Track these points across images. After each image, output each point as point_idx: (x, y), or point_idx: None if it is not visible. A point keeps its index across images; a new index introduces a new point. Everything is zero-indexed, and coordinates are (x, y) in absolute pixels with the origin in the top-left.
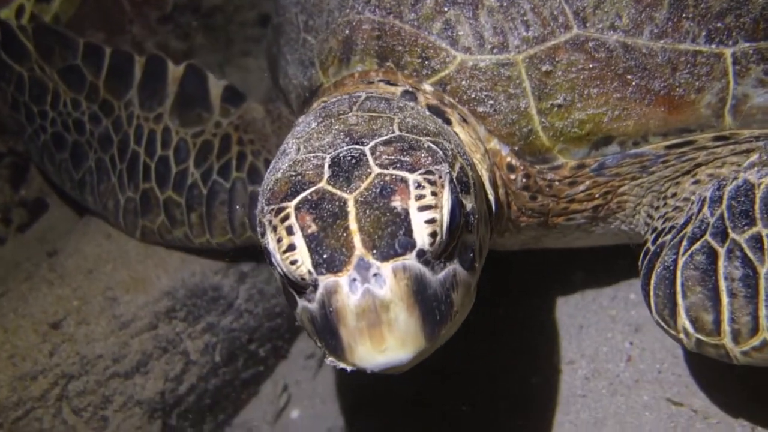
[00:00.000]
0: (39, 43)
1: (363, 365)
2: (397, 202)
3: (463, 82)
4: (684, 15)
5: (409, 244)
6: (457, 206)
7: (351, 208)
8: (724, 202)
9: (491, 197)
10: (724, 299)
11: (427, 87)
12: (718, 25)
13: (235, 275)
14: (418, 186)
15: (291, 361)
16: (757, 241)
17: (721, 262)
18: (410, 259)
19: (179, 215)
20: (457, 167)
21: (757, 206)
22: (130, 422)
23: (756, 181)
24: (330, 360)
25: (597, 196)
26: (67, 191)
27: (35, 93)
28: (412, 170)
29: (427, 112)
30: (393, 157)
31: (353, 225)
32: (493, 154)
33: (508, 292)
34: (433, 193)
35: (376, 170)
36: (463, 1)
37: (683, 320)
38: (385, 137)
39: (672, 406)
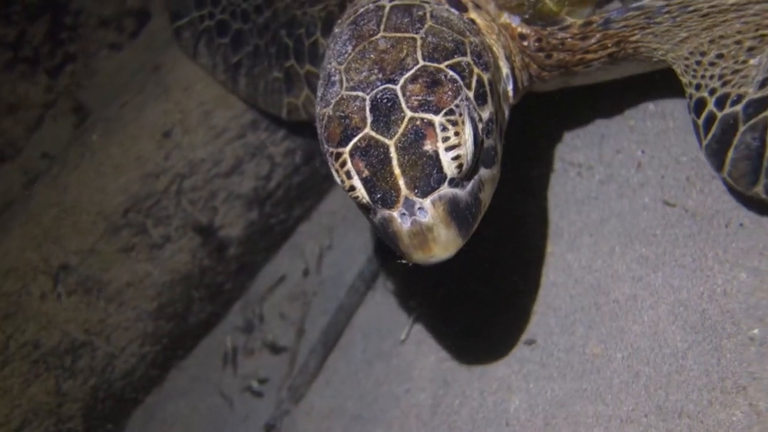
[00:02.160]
0: None
1: (419, 264)
2: (428, 146)
3: None
4: None
5: (442, 178)
6: (477, 133)
7: (393, 154)
8: None
9: (506, 71)
10: None
11: None
12: None
13: None
14: (444, 129)
15: None
16: None
17: None
18: (444, 189)
19: None
20: (474, 82)
21: None
22: (234, 211)
23: None
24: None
25: (610, 45)
26: (216, 74)
27: None
28: (437, 111)
29: (445, 6)
30: (420, 98)
31: (397, 170)
32: (505, 27)
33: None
34: (456, 133)
35: (409, 114)
36: None
37: (760, 190)
38: (412, 71)
39: (667, 206)
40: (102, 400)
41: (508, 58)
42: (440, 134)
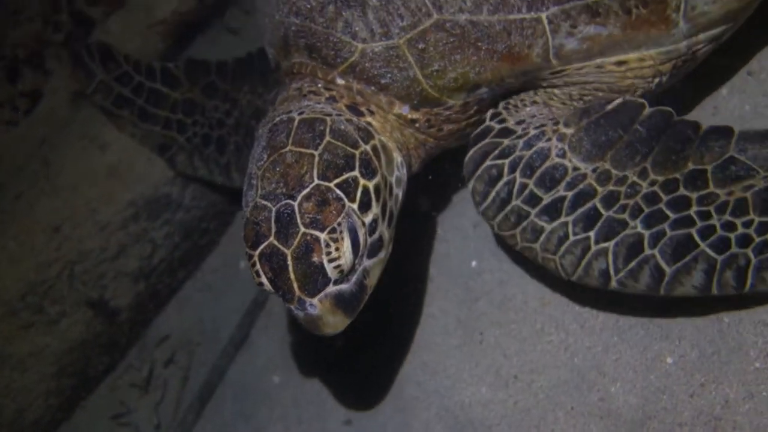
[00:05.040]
0: (187, 72)
1: (319, 336)
2: (315, 258)
3: (367, 64)
4: None
5: (327, 282)
6: (357, 240)
7: (290, 262)
8: (537, 166)
9: (400, 159)
10: (505, 211)
11: (340, 81)
12: None
13: (181, 184)
14: (327, 245)
15: (237, 223)
16: (523, 187)
17: (501, 184)
18: (329, 288)
19: None
20: (358, 194)
21: (538, 172)
22: (122, 286)
23: (553, 155)
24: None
25: (487, 108)
26: (216, 180)
27: (187, 109)
28: (322, 229)
29: (344, 117)
30: (311, 216)
31: (292, 275)
32: (398, 116)
33: None
34: (337, 248)
35: (302, 230)
36: (354, 5)
37: (470, 185)
38: (307, 189)
39: (447, 317)
40: None
41: (401, 148)
42: (324, 249)
